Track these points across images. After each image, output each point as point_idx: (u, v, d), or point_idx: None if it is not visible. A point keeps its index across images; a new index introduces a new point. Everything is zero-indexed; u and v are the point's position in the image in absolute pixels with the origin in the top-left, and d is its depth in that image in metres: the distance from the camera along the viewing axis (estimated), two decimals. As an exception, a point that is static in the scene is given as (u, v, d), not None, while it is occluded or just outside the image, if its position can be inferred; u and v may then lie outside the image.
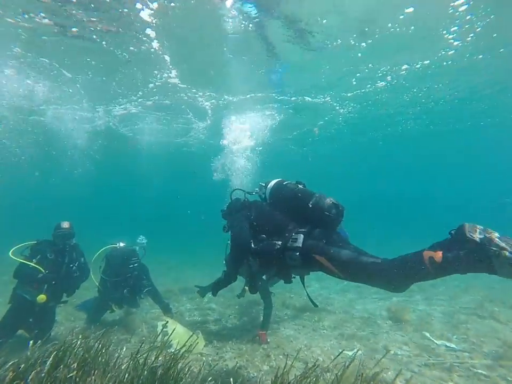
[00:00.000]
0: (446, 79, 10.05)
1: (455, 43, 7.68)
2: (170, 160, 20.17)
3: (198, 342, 4.55)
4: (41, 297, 4.27)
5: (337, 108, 12.29)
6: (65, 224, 4.78)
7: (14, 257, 4.32)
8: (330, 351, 4.41)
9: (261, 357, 4.17)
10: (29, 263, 4.34)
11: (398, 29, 6.96)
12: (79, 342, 2.48)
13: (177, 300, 7.59)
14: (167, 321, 4.61)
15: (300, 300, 7.37)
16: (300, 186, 3.03)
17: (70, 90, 9.90)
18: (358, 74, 9.46)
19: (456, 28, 7.02)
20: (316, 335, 5.08)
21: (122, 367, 2.35)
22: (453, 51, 8.06)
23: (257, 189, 3.41)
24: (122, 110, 11.77)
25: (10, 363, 2.41)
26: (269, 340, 4.65)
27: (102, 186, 29.26)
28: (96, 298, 5.59)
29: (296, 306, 6.73)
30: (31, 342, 2.57)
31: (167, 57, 7.74)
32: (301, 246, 2.64)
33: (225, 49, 7.45)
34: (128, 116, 12.48)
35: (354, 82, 10.03)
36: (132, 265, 5.28)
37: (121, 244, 5.51)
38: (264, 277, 5.06)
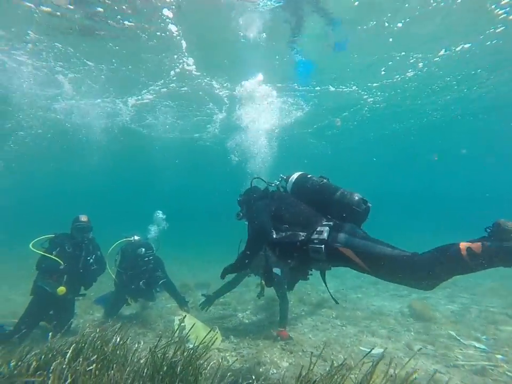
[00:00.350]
0: (487, 62, 9.31)
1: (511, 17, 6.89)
2: (185, 154, 20.18)
3: (216, 338, 4.53)
4: (61, 289, 4.33)
5: (365, 97, 11.76)
6: (83, 218, 4.85)
7: (34, 249, 4.39)
8: (351, 348, 4.27)
9: (280, 353, 4.09)
10: (49, 256, 4.42)
11: (442, 3, 6.33)
12: (97, 335, 2.46)
13: (193, 294, 7.59)
14: (184, 316, 4.59)
15: (316, 296, 7.25)
16: (324, 180, 2.96)
17: (94, 84, 9.86)
18: (390, 63, 8.98)
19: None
20: (335, 332, 4.95)
21: (141, 361, 2.31)
22: (503, 27, 7.30)
23: (277, 181, 3.31)
24: (141, 101, 11.62)
25: (33, 353, 2.42)
26: (291, 336, 4.55)
27: (117, 180, 29.65)
28: (112, 292, 5.66)
29: (313, 302, 6.62)
30: (50, 334, 2.56)
31: (183, 43, 7.51)
32: (326, 238, 2.53)
33: (240, 33, 7.12)
34: (146, 108, 12.35)
35: (383, 72, 9.59)
36: (147, 258, 5.31)
37: (136, 237, 5.54)
38: (279, 270, 5.01)
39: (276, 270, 4.92)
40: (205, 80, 9.91)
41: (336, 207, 2.74)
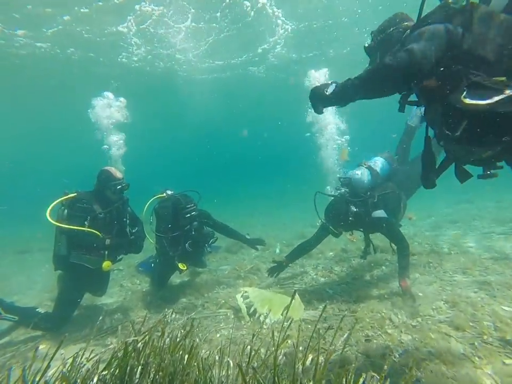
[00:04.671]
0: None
1: None
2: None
3: (298, 307, 3.54)
4: (107, 264, 3.49)
5: None
6: (119, 173, 3.80)
7: (56, 223, 3.38)
8: (488, 308, 3.05)
9: (388, 321, 3.00)
10: (83, 229, 3.40)
11: None
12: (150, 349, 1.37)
13: (246, 252, 6.70)
14: (246, 291, 3.67)
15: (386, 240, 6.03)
16: None
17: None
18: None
19: None
20: (447, 285, 3.75)
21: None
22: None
23: None
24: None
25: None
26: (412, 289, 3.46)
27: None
28: (155, 257, 4.82)
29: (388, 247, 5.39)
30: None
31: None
32: None
33: None
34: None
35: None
36: (189, 214, 4.21)
37: (169, 192, 4.45)
38: (382, 212, 3.73)
39: (378, 213, 3.68)
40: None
41: None
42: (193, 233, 4.29)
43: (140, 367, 1.24)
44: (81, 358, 1.37)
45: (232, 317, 3.53)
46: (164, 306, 4.10)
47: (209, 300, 4.10)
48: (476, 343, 2.51)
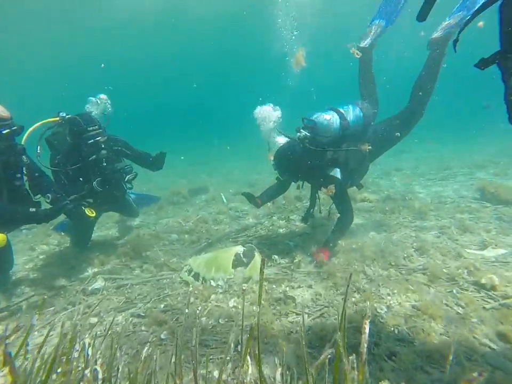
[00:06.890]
0: None
1: None
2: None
3: (258, 264, 2.97)
4: None
5: None
6: (3, 111, 2.54)
7: None
8: (454, 252, 2.92)
9: (362, 274, 2.67)
10: None
11: None
12: None
13: (189, 203, 5.91)
14: (187, 264, 3.03)
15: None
16: None
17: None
18: None
19: None
20: (411, 231, 3.57)
21: None
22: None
23: None
24: None
25: None
26: (327, 261, 2.92)
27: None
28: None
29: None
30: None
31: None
32: None
33: None
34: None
35: None
36: (92, 140, 3.11)
37: (64, 115, 3.23)
38: (338, 171, 3.23)
39: (333, 171, 3.15)
40: None
41: None
42: (104, 164, 3.23)
43: None
44: None
45: (179, 280, 2.87)
46: (89, 271, 3.23)
47: (149, 260, 3.34)
48: (454, 291, 2.34)
